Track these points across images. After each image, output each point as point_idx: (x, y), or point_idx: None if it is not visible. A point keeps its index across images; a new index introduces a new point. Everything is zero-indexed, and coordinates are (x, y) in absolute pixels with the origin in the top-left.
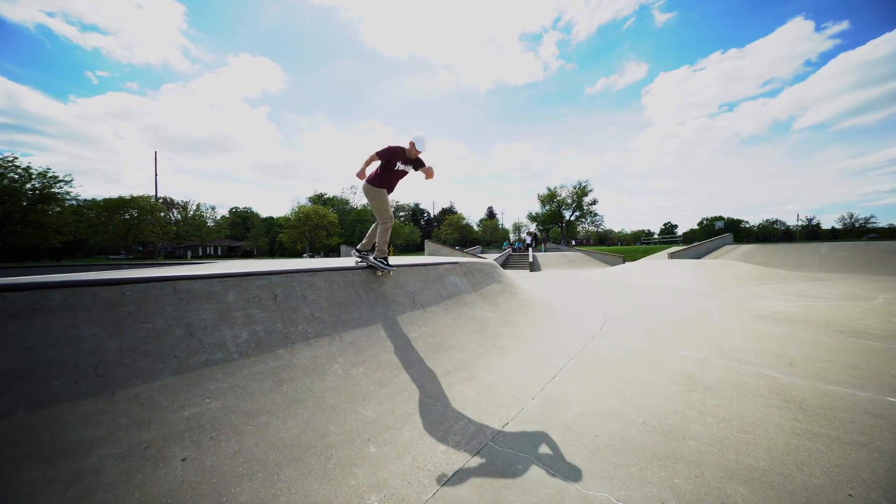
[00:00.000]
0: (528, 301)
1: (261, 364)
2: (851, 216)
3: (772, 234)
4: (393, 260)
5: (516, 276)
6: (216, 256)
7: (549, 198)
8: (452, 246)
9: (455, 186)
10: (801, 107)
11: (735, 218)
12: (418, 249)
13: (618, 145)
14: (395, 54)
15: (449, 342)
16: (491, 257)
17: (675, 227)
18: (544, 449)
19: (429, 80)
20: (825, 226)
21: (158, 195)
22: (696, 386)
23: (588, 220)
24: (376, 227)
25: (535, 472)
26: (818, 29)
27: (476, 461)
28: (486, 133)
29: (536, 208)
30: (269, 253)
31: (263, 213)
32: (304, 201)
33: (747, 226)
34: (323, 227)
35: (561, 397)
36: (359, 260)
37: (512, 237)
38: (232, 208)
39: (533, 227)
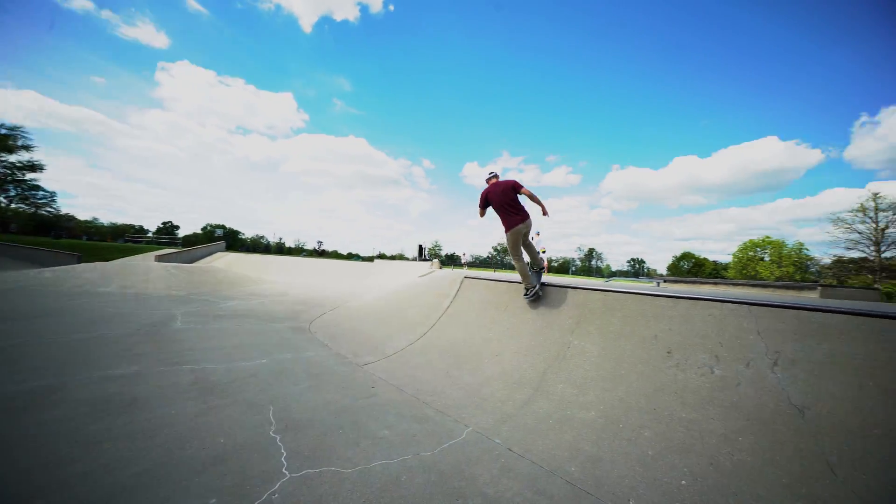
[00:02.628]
0: None
1: None
2: (299, 240)
3: (258, 246)
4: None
5: None
6: None
7: None
8: None
9: None
10: (286, 156)
11: (235, 229)
12: None
13: (112, 108)
14: None
15: None
16: None
17: (178, 227)
18: None
19: None
20: (288, 244)
21: None
22: (109, 410)
23: (15, 192)
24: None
25: None
26: (298, 110)
27: None
28: None
29: None
30: None
31: None
32: None
33: (243, 237)
34: None
35: None
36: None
37: None
38: None
39: None
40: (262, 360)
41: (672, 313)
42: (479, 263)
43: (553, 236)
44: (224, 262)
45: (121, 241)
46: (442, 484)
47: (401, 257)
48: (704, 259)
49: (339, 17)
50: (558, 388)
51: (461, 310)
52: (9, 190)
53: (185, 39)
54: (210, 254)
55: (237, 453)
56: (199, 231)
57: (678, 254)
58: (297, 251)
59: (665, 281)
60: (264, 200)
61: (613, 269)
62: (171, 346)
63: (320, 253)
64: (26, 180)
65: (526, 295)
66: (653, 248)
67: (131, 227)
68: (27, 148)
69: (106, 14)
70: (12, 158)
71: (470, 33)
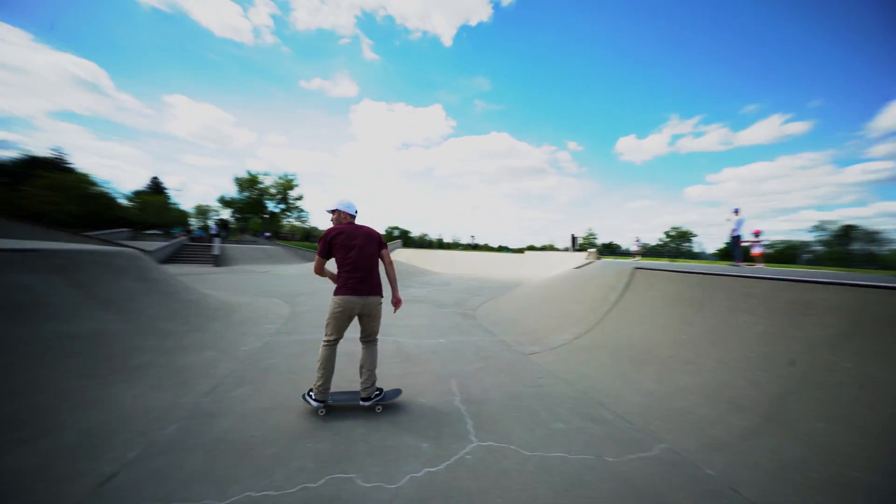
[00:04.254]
0: (194, 302)
1: None
2: (454, 235)
3: (424, 243)
4: None
5: (191, 272)
6: None
7: (250, 183)
8: (59, 225)
9: (77, 129)
10: (438, 162)
11: (406, 229)
12: None
13: (328, 148)
14: None
15: None
16: (153, 245)
17: None
18: (176, 479)
19: None
20: (446, 240)
21: None
22: (353, 361)
23: (294, 215)
24: None
25: None
26: (447, 118)
27: None
28: (149, 68)
29: (234, 192)
30: None
31: None
32: None
33: (412, 235)
34: None
35: (219, 408)
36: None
37: (195, 223)
38: None
39: (227, 214)
40: (440, 340)
41: None
42: (646, 252)
43: (755, 213)
44: (402, 256)
45: None
46: (639, 500)
47: (551, 248)
48: None
49: (474, 22)
50: (816, 426)
51: (634, 305)
52: (291, 214)
53: (366, 83)
54: (392, 250)
55: (434, 413)
56: (383, 232)
57: None
58: (454, 245)
59: None
60: (424, 203)
61: None
62: None
63: (474, 246)
64: (298, 206)
65: (310, 397)
66: None
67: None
68: (296, 186)
69: (327, 84)
70: (294, 193)
71: None
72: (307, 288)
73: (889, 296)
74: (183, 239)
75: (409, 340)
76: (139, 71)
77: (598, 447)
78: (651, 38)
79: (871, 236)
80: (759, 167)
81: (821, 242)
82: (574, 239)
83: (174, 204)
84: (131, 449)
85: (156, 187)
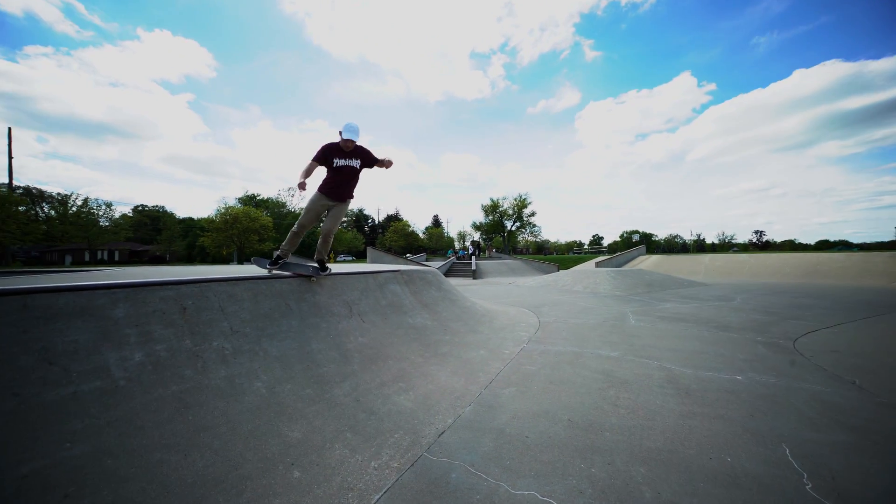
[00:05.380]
0: (468, 308)
1: (159, 389)
2: (723, 233)
3: (673, 246)
4: (331, 268)
5: (459, 284)
6: (112, 263)
7: (493, 208)
8: (397, 253)
9: (401, 193)
10: (690, 143)
11: (648, 232)
12: (361, 256)
13: (555, 162)
14: (343, 55)
15: (387, 352)
16: (435, 265)
17: (602, 238)
18: (477, 454)
19: (378, 86)
20: (708, 240)
21: (16, 184)
22: (613, 382)
23: (528, 231)
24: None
25: (468, 479)
26: (699, 85)
27: (410, 475)
28: (434, 142)
29: (480, 218)
30: (186, 259)
31: (181, 214)
32: (232, 202)
33: (656, 238)
34: (255, 231)
35: (496, 402)
36: (271, 268)
37: (457, 245)
38: (137, 206)
39: (477, 237)
40: (735, 377)
41: None
42: None
43: None
44: (647, 264)
45: (571, 253)
46: None
47: None
48: None
49: None
50: None
51: None
52: (525, 230)
53: (588, 86)
54: (633, 258)
55: (759, 488)
56: (618, 238)
57: None
58: (724, 247)
59: None
60: (671, 197)
61: None
62: (634, 339)
63: (762, 246)
64: (531, 222)
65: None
66: None
67: (575, 242)
68: (529, 204)
69: (551, 102)
70: (527, 211)
71: None
72: (549, 299)
73: None
74: (453, 258)
75: (681, 369)
76: (428, 145)
77: None
78: None
79: None
80: None
81: None
82: None
83: (446, 233)
84: (448, 417)
85: (435, 222)
